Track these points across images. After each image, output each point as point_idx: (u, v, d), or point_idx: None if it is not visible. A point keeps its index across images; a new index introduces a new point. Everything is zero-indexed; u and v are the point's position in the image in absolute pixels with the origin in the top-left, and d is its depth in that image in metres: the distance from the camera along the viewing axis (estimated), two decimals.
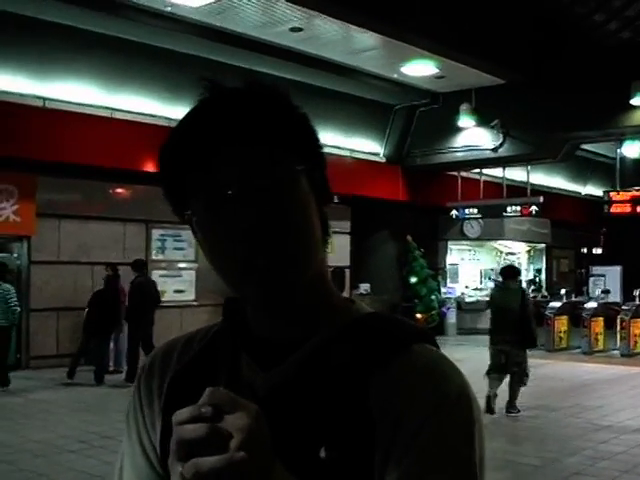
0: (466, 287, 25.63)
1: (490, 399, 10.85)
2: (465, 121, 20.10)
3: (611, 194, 23.54)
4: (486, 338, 11.59)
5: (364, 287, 20.42)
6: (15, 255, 15.80)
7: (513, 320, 10.84)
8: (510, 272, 11.71)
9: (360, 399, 1.05)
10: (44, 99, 14.89)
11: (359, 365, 1.08)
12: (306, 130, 1.15)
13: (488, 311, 12.23)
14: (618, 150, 21.83)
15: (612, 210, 23.36)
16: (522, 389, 11.27)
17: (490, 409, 10.78)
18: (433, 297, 22.08)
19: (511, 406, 11.23)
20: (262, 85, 1.12)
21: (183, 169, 1.09)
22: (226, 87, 1.12)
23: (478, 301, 24.12)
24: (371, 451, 1.03)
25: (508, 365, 10.97)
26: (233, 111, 1.09)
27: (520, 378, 11.09)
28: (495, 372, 11.07)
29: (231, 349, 1.01)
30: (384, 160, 21.73)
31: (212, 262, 1.11)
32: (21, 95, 14.53)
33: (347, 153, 20.31)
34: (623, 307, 18.61)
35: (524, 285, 22.55)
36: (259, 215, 1.05)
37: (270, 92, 1.12)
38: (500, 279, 12.16)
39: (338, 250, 19.11)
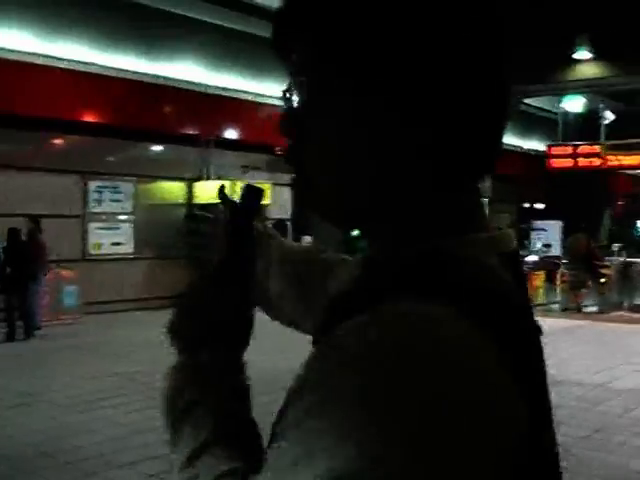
0: None
1: None
2: None
3: (552, 148, 23.77)
4: None
5: (306, 239, 20.25)
6: None
7: None
8: None
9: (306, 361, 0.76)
10: None
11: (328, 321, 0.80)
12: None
13: None
14: (560, 104, 21.95)
15: (553, 164, 23.61)
16: None
17: None
18: None
19: None
20: None
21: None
22: None
23: None
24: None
25: None
26: None
27: None
28: None
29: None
30: None
31: None
32: None
33: None
34: (563, 261, 18.91)
35: None
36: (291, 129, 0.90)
37: None
38: None
39: (281, 202, 19.03)
